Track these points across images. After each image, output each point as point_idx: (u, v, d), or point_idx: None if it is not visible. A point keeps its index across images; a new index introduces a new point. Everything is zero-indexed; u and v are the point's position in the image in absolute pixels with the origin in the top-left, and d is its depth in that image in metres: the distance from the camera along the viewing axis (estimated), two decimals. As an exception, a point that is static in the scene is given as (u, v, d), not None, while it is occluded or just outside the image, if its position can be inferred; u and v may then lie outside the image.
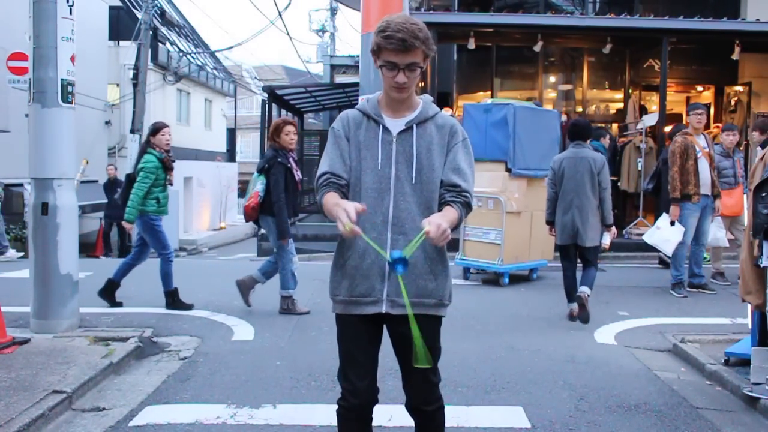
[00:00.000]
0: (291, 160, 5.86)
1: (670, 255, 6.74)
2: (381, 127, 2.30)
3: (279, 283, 5.93)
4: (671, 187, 6.66)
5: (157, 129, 6.06)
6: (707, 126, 10.03)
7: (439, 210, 2.25)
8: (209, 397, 3.83)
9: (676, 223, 6.60)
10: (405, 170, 2.26)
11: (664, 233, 6.63)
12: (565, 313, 5.92)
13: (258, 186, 5.80)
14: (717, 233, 6.99)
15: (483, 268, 7.58)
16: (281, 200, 5.71)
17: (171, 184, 6.14)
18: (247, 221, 6.29)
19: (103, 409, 3.65)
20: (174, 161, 6.20)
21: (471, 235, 7.60)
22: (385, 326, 2.37)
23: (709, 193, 6.80)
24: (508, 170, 7.43)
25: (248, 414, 3.57)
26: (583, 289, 5.73)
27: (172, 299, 6.04)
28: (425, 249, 2.25)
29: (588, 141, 6.04)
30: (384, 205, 2.25)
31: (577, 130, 5.95)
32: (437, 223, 2.06)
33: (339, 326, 2.37)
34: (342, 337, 2.36)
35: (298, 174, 5.90)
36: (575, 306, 5.71)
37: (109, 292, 6.07)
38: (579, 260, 5.92)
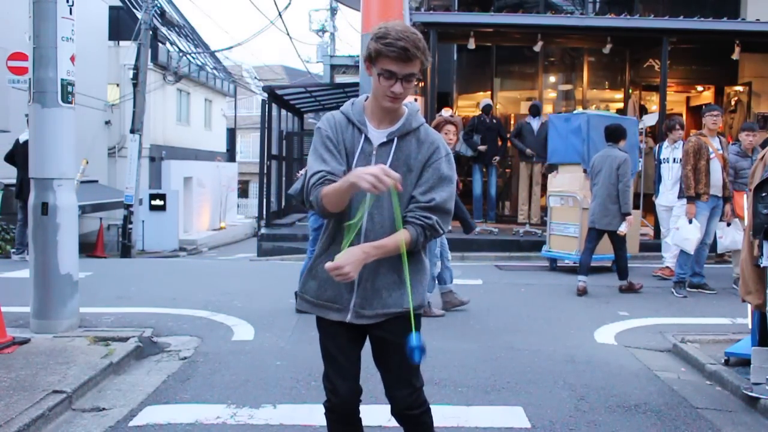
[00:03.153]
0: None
1: (692, 252, 6.71)
2: (363, 136, 2.24)
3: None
4: (685, 186, 6.71)
5: None
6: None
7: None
8: (209, 397, 3.83)
9: (693, 220, 6.61)
10: None
11: (683, 232, 6.65)
12: (564, 314, 5.97)
13: None
14: (735, 236, 6.90)
15: (562, 258, 8.41)
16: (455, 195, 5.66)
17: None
18: None
19: (103, 409, 3.65)
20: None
21: (555, 230, 8.46)
22: (365, 330, 2.35)
23: (720, 195, 6.80)
24: (585, 171, 8.19)
25: (248, 414, 3.57)
26: (621, 284, 6.96)
27: None
28: (382, 263, 2.22)
29: (620, 142, 6.96)
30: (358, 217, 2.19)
31: (608, 133, 7.05)
32: (336, 264, 2.06)
33: (319, 327, 2.37)
34: (321, 337, 2.36)
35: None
36: (581, 284, 6.80)
37: None
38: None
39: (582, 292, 6.75)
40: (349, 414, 2.38)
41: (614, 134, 6.99)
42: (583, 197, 8.03)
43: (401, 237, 2.17)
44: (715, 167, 6.74)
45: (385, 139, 2.24)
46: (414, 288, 2.25)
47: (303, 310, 2.36)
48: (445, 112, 11.42)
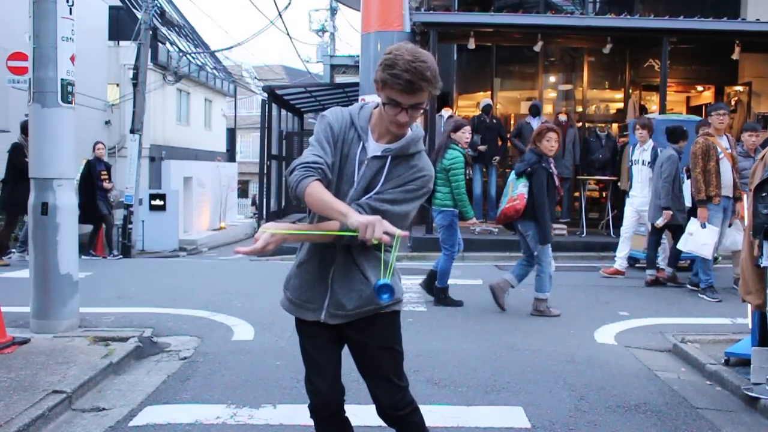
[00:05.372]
0: (552, 165, 5.90)
1: (710, 257, 6.61)
2: (361, 144, 2.21)
3: (533, 284, 6.03)
4: (696, 189, 6.59)
5: (459, 126, 6.32)
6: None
7: None
8: (209, 397, 3.83)
9: (708, 224, 6.51)
10: (360, 195, 2.18)
11: (699, 237, 6.53)
12: (564, 314, 6.03)
13: (521, 189, 5.80)
14: (736, 236, 6.83)
15: (635, 256, 8.58)
16: (545, 205, 5.74)
17: (470, 179, 6.40)
18: (501, 223, 6.24)
19: (103, 409, 3.65)
20: (471, 156, 6.52)
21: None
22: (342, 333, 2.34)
23: (731, 195, 6.70)
24: None
25: (248, 414, 3.57)
26: (648, 274, 7.34)
27: (445, 295, 6.27)
28: (367, 262, 2.22)
29: (678, 142, 7.23)
30: None
31: (667, 133, 7.41)
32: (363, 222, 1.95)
33: (297, 329, 2.37)
34: (300, 339, 2.36)
35: (557, 179, 5.97)
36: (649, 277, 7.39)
37: (447, 300, 6.36)
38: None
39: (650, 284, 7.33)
40: (332, 414, 2.35)
41: (672, 135, 7.27)
42: None
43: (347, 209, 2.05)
44: (725, 167, 6.62)
45: (379, 153, 2.21)
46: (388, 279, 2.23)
47: (284, 309, 2.36)
48: (445, 113, 11.49)
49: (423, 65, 2.06)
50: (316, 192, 2.05)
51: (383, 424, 3.28)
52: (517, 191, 5.80)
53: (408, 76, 2.04)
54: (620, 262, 7.99)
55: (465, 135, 6.26)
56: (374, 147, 2.22)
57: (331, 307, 2.25)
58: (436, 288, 6.30)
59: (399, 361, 2.35)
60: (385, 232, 1.94)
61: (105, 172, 10.43)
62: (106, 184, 10.35)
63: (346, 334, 2.31)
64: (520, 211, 5.77)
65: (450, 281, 6.52)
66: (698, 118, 9.67)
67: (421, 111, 2.15)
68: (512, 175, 5.99)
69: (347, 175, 2.20)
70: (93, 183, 10.21)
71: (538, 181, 5.73)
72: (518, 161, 6.19)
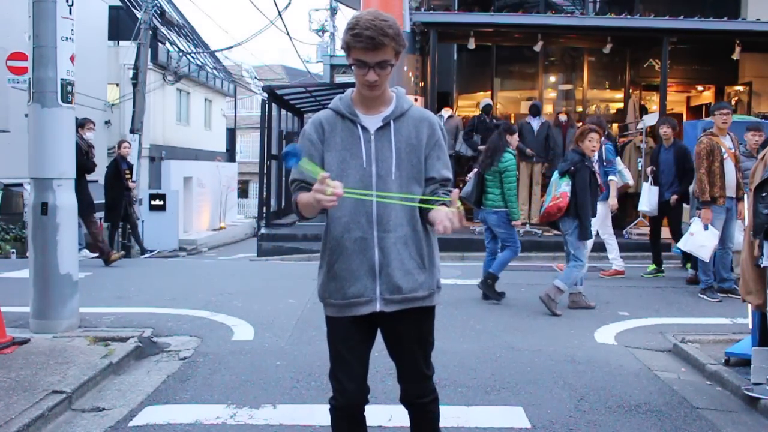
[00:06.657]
0: (595, 164, 6.00)
1: (708, 260, 6.54)
2: (358, 126, 2.26)
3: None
4: (700, 189, 6.49)
5: (513, 131, 6.70)
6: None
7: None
8: (209, 397, 3.83)
9: (710, 226, 6.44)
10: (385, 167, 2.24)
11: (699, 239, 6.47)
12: (564, 314, 6.03)
13: (564, 187, 5.89)
14: (738, 237, 6.81)
15: (677, 253, 8.52)
16: (588, 203, 5.84)
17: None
18: (544, 221, 6.41)
19: (103, 409, 3.65)
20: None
21: (683, 228, 8.80)
22: (378, 325, 2.36)
23: (734, 196, 6.62)
24: None
25: (248, 414, 3.57)
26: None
27: (492, 282, 6.44)
28: (415, 245, 2.27)
29: None
30: (367, 204, 2.22)
31: None
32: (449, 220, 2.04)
33: (329, 327, 2.37)
34: (332, 337, 2.36)
35: (599, 178, 6.07)
36: None
37: (491, 288, 6.54)
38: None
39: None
40: (355, 413, 2.39)
41: None
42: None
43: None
44: (729, 167, 6.55)
45: (381, 124, 2.26)
46: (430, 268, 2.31)
47: (332, 315, 2.34)
48: (445, 113, 11.50)
49: (383, 23, 2.12)
50: (299, 201, 2.25)
51: (383, 424, 3.30)
52: (560, 190, 5.91)
53: (369, 32, 2.09)
54: (616, 262, 7.97)
55: (516, 139, 6.71)
56: (372, 121, 2.27)
57: (386, 293, 2.25)
58: (487, 273, 6.46)
59: (430, 351, 2.41)
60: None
61: (128, 172, 10.45)
62: (130, 184, 10.39)
63: (384, 326, 2.33)
64: (563, 209, 5.87)
65: (449, 281, 6.54)
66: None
67: (389, 69, 2.18)
68: (555, 175, 6.12)
69: (365, 158, 2.24)
70: (120, 182, 10.23)
71: (582, 179, 5.83)
72: (561, 161, 6.31)
